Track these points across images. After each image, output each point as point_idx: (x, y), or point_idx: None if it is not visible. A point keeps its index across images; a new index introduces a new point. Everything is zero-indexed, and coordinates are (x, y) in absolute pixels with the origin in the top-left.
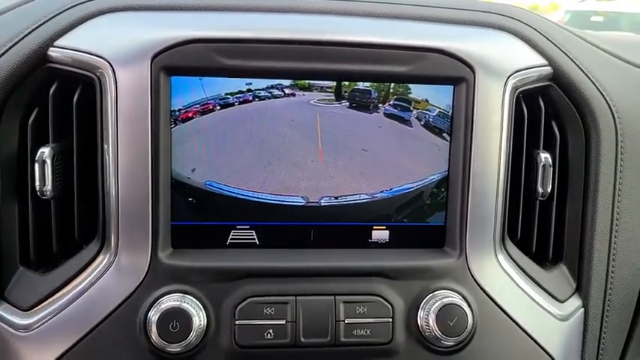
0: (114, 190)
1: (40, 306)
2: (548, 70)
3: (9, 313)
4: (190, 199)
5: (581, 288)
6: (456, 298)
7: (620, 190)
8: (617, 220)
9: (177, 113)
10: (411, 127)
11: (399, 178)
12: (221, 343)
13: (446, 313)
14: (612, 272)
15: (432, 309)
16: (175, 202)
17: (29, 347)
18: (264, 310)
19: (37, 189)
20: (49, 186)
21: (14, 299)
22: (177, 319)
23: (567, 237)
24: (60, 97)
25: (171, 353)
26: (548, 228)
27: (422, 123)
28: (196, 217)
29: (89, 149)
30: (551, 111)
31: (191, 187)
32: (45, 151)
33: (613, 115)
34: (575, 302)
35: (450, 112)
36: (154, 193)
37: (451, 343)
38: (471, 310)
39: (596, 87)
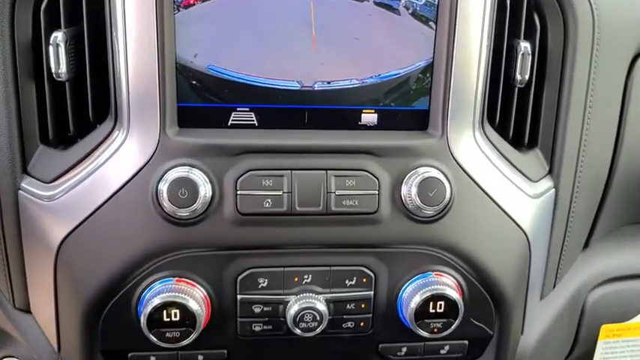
0: (124, 73)
1: (61, 179)
2: None
3: (33, 186)
4: (194, 82)
5: (553, 170)
6: (436, 173)
7: (594, 79)
8: (589, 107)
9: (180, 0)
10: (400, 15)
11: (387, 64)
12: (224, 210)
13: (426, 185)
14: (582, 157)
15: (414, 182)
16: (180, 85)
17: (54, 215)
18: (263, 182)
19: (53, 71)
20: (63, 68)
21: (37, 174)
22: (185, 187)
23: (543, 123)
24: None
25: (181, 218)
26: (525, 114)
27: (410, 12)
28: (200, 99)
29: (100, 34)
30: (533, 2)
31: (194, 71)
32: (58, 35)
33: (591, 7)
34: (547, 183)
35: (436, 1)
36: (160, 75)
37: (430, 212)
38: (450, 183)
39: None
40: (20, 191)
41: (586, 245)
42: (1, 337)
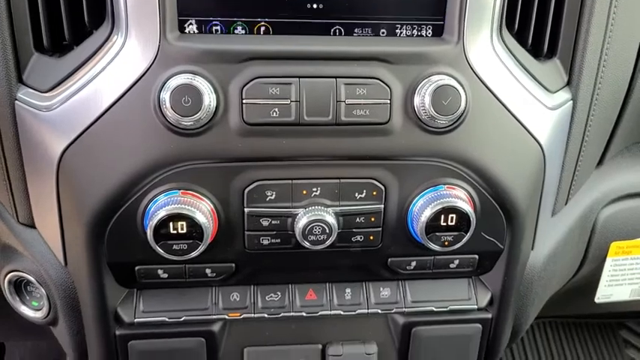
0: None
1: (58, 88)
2: None
3: (30, 96)
4: None
5: (571, 81)
6: (451, 81)
7: None
8: (612, 18)
9: None
10: None
11: None
12: (230, 120)
13: (441, 93)
14: (603, 69)
15: (427, 91)
16: None
17: (53, 125)
18: (270, 90)
19: None
20: None
21: (33, 83)
22: (188, 94)
23: (563, 31)
24: None
25: (184, 128)
26: (545, 21)
27: None
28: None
29: None
30: None
31: None
32: None
33: None
34: (564, 95)
35: None
36: None
37: (444, 122)
38: (465, 92)
39: None
40: (17, 102)
41: (600, 162)
42: (7, 252)
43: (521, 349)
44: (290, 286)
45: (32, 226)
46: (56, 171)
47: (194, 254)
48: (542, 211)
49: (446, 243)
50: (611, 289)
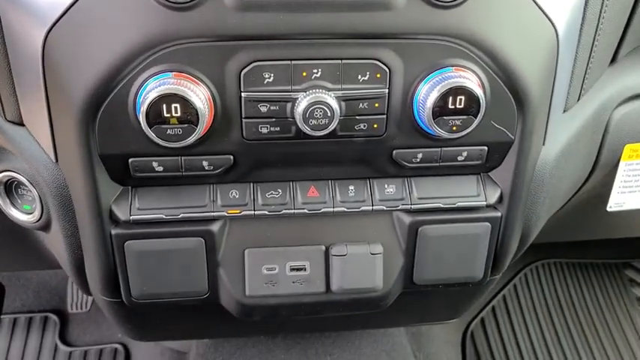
0: None
1: None
2: None
3: None
4: None
5: None
6: None
7: None
8: None
9: None
10: None
11: None
12: None
13: None
14: None
15: None
16: None
17: (33, 8)
18: None
19: None
20: None
21: None
22: None
23: None
24: None
25: (176, 2)
26: None
27: None
28: None
29: None
30: None
31: None
32: None
33: None
34: None
35: None
36: None
37: None
38: None
39: None
40: None
41: (613, 60)
42: None
43: (526, 290)
44: (291, 183)
45: (20, 123)
46: (41, 59)
47: (190, 139)
48: (554, 104)
49: (454, 128)
50: (624, 197)
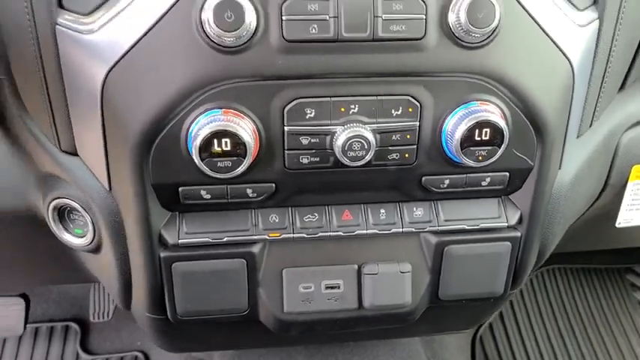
0: None
1: (99, 11)
2: None
3: (71, 20)
4: None
5: (597, 0)
6: None
7: None
8: None
9: None
10: None
11: None
12: (270, 37)
13: (475, 6)
14: None
15: (462, 5)
16: None
17: (95, 49)
18: (309, 7)
19: None
20: None
21: (74, 6)
22: (230, 9)
23: None
24: None
25: (226, 45)
26: None
27: None
28: None
29: None
30: None
31: None
32: None
33: None
34: (591, 14)
35: None
36: None
37: (478, 36)
38: (498, 4)
39: None
40: (58, 26)
41: (622, 87)
42: (51, 181)
43: (532, 296)
44: (326, 207)
45: (74, 153)
46: (100, 95)
47: (239, 170)
48: (569, 131)
49: (480, 157)
50: (632, 214)
